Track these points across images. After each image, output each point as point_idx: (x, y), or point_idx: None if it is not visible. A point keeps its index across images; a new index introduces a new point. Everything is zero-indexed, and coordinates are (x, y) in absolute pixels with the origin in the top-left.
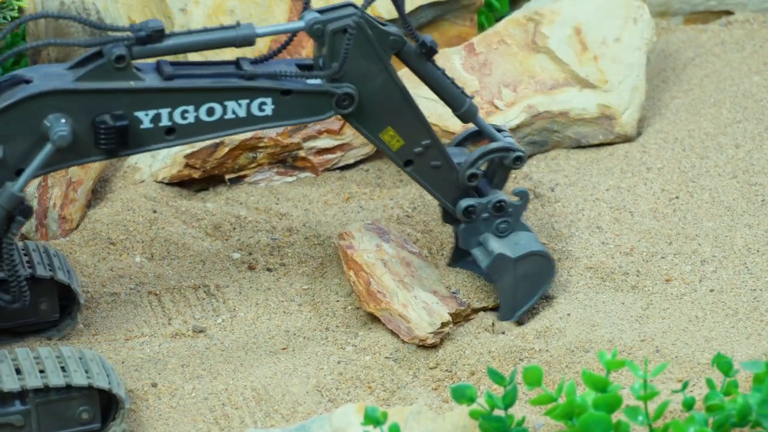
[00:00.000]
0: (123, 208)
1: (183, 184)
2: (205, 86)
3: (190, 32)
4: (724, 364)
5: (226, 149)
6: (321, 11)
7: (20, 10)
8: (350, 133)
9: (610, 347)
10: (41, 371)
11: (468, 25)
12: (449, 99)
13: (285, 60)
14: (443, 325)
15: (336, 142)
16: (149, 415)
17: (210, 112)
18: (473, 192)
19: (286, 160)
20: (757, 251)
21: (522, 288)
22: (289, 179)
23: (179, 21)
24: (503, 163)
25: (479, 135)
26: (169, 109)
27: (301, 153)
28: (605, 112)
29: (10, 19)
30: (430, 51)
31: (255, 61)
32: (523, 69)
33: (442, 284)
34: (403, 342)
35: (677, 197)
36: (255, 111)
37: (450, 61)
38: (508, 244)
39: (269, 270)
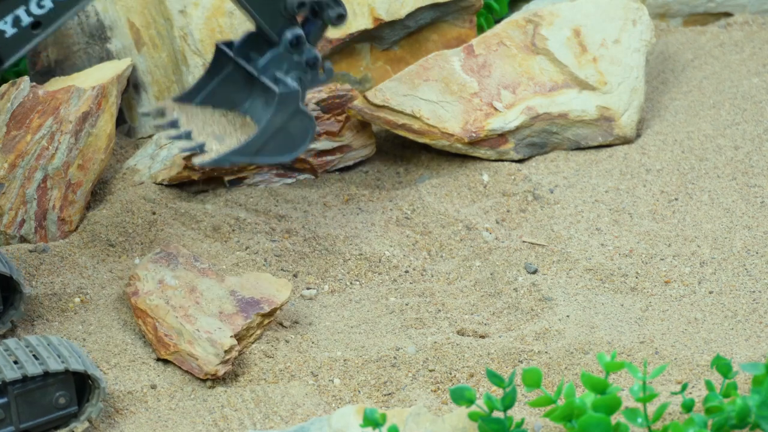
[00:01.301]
0: (122, 210)
1: (182, 185)
2: None
3: None
4: (723, 366)
5: None
6: None
7: None
8: (349, 135)
9: (610, 349)
10: (15, 362)
11: (467, 26)
12: None
13: None
14: (228, 351)
15: (335, 144)
16: (148, 416)
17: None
18: (297, 24)
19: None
20: (756, 253)
21: (280, 137)
22: (289, 181)
23: (178, 22)
24: (322, 17)
25: None
26: (23, 7)
27: (301, 155)
28: (604, 113)
29: None
30: None
31: None
32: (522, 71)
33: (232, 298)
34: (200, 379)
35: (676, 199)
36: None
37: (449, 62)
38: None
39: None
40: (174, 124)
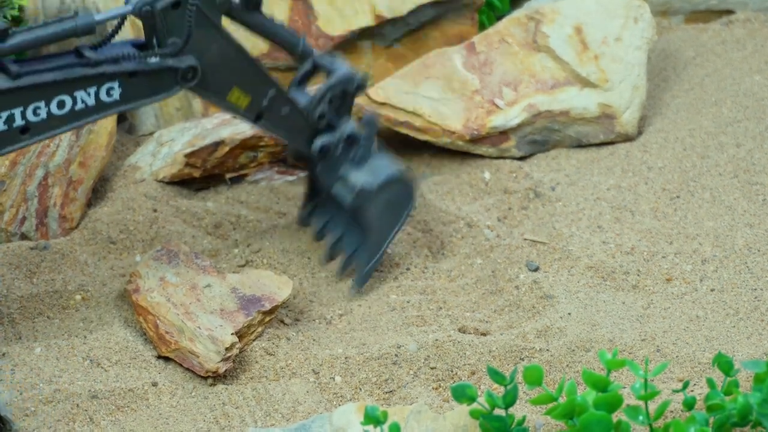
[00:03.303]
0: (123, 207)
1: (183, 183)
2: (54, 79)
3: (30, 28)
4: (724, 364)
5: (227, 148)
6: None
7: (21, 8)
8: None
9: (611, 347)
10: None
11: (469, 24)
12: (284, 42)
13: (121, 42)
14: (228, 349)
15: None
16: (149, 413)
17: (61, 105)
18: (324, 128)
19: (287, 159)
20: (758, 251)
21: (387, 216)
22: (290, 178)
23: None
24: (347, 92)
25: (315, 72)
26: (21, 108)
27: None
28: (606, 111)
29: (10, 18)
30: (256, 2)
31: (94, 47)
32: (523, 68)
33: (233, 295)
34: (201, 377)
35: (678, 196)
36: (103, 97)
37: (450, 60)
38: (367, 172)
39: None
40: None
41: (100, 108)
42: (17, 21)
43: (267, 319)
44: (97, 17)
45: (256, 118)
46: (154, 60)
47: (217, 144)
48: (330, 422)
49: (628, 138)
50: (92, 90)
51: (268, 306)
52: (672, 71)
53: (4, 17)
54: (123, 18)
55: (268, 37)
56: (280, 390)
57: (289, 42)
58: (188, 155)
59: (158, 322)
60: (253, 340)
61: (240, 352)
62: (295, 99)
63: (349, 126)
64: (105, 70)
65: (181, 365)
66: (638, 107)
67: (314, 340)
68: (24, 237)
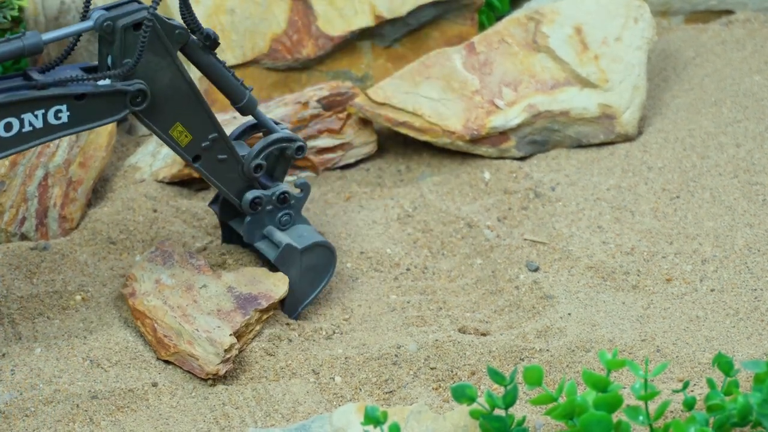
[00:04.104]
0: (123, 208)
1: (183, 183)
2: (0, 102)
3: None
4: (724, 364)
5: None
6: (107, 8)
7: (20, 9)
8: (351, 133)
9: (611, 347)
10: None
11: (468, 24)
12: (230, 91)
13: (70, 66)
14: (228, 350)
15: (336, 142)
16: (149, 414)
17: (8, 127)
18: (257, 184)
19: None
20: (758, 251)
21: (306, 280)
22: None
23: (180, 21)
24: (285, 155)
25: (255, 129)
26: None
27: None
28: (606, 111)
29: (10, 18)
30: (213, 44)
31: (42, 70)
32: (523, 68)
33: (229, 295)
34: (202, 379)
35: (678, 197)
36: (52, 120)
37: (450, 60)
38: (293, 236)
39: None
40: None
41: (48, 131)
42: (17, 22)
43: (264, 317)
44: (45, 36)
45: (193, 159)
46: (102, 82)
47: None
48: (330, 422)
49: (628, 138)
50: (40, 112)
51: (264, 304)
52: (672, 71)
53: (4, 18)
54: (78, 37)
55: (217, 81)
56: (280, 390)
57: (235, 91)
58: None
59: (156, 325)
60: (252, 339)
61: (240, 352)
62: (233, 148)
63: (284, 186)
64: (53, 92)
65: (180, 367)
66: (638, 107)
67: (314, 340)
68: (24, 237)
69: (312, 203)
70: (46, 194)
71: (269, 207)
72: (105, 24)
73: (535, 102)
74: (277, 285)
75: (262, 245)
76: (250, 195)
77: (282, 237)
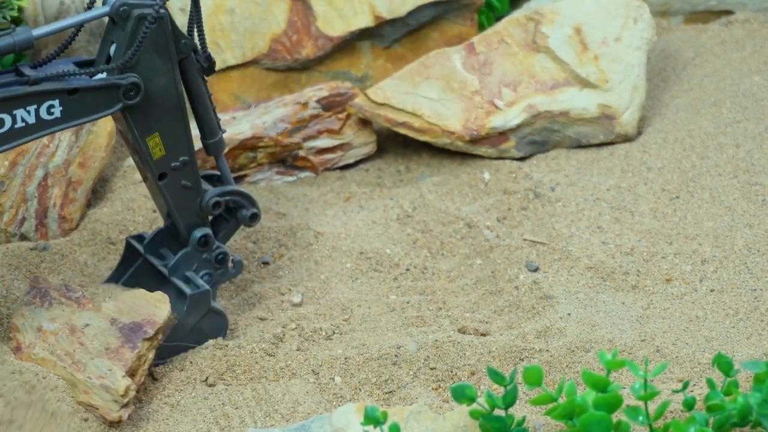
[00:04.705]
0: (123, 208)
1: None
2: None
3: None
4: (724, 364)
5: (226, 149)
6: None
7: (20, 9)
8: (350, 133)
9: (611, 347)
10: None
11: (468, 24)
12: (206, 125)
13: (63, 60)
14: (124, 394)
15: (336, 142)
16: (149, 414)
17: (0, 123)
18: (208, 224)
19: (286, 160)
20: (758, 251)
21: (193, 334)
22: (290, 179)
23: (180, 21)
24: (237, 216)
25: (213, 179)
26: None
27: (301, 152)
28: (605, 111)
29: (9, 19)
30: (210, 68)
31: (34, 65)
32: (523, 69)
33: (113, 328)
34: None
35: (678, 197)
36: (44, 115)
37: (450, 60)
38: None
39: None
40: None
41: (40, 126)
42: (17, 22)
43: (154, 343)
44: (36, 32)
45: (159, 176)
46: (97, 77)
47: None
48: (330, 423)
49: (627, 138)
50: (32, 108)
51: (151, 332)
52: (672, 71)
53: (4, 18)
54: (76, 31)
55: (198, 109)
56: (279, 390)
57: (211, 127)
58: None
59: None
60: (147, 369)
61: (138, 388)
62: (200, 179)
63: (228, 250)
64: (45, 87)
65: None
66: (638, 108)
67: (314, 340)
68: (24, 238)
69: (312, 203)
70: (45, 194)
71: (205, 256)
72: (121, 9)
73: (535, 102)
74: (158, 307)
75: (180, 282)
76: (199, 232)
77: (204, 284)
